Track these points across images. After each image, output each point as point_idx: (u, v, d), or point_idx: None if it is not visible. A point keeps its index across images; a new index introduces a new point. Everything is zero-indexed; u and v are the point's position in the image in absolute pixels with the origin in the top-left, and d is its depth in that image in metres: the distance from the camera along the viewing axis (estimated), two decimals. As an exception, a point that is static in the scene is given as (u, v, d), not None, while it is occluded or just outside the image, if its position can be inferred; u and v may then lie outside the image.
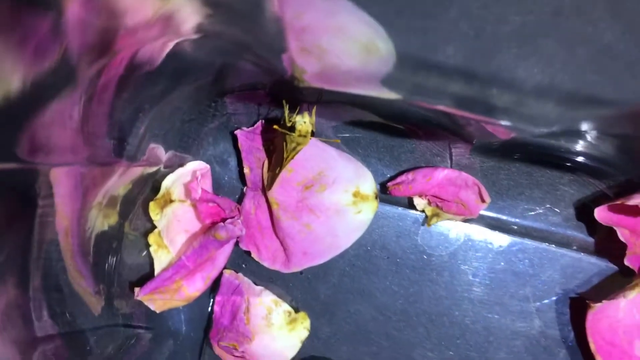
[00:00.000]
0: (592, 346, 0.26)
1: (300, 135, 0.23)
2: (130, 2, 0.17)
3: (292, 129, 0.23)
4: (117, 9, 0.17)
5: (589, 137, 0.25)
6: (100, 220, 0.26)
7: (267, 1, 0.18)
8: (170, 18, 0.19)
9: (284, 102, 0.24)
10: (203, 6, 0.19)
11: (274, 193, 0.26)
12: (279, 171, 0.25)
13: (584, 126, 0.24)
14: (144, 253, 0.28)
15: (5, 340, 0.20)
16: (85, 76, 0.19)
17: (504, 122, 0.23)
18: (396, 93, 0.23)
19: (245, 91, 0.27)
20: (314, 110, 0.24)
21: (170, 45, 0.21)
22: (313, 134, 0.24)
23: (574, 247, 0.27)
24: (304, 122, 0.23)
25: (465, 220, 0.27)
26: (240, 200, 0.28)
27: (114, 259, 0.27)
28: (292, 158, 0.24)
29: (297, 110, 0.24)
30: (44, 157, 0.19)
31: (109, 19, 0.17)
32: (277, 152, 0.26)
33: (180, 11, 0.19)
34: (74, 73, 0.18)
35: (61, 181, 0.21)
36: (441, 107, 0.23)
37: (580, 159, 0.26)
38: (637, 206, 0.24)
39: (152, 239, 0.27)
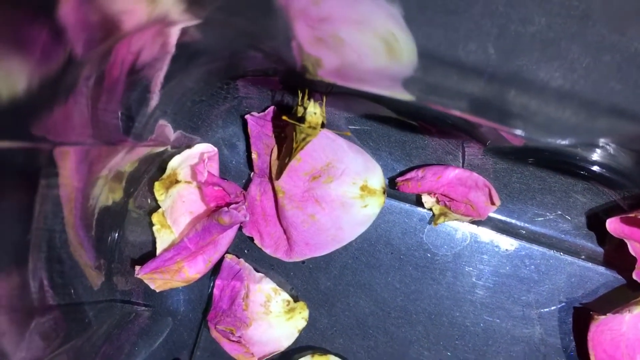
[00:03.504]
0: (593, 358, 0.25)
1: (310, 127, 0.22)
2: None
3: (302, 119, 0.23)
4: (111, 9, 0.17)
5: (606, 148, 0.24)
6: (105, 195, 0.26)
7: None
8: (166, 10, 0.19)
9: (298, 91, 0.23)
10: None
11: (281, 181, 0.26)
12: (288, 161, 0.24)
13: (603, 136, 0.23)
14: (147, 232, 0.28)
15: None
16: (93, 62, 0.18)
17: (517, 131, 0.22)
18: (411, 94, 0.22)
19: (258, 76, 0.27)
20: (324, 102, 0.23)
21: (176, 30, 0.20)
22: (323, 125, 0.23)
23: (582, 257, 0.27)
24: (314, 113, 0.22)
25: (473, 222, 0.27)
26: (246, 186, 0.28)
27: (117, 235, 0.27)
28: (302, 149, 0.23)
29: (308, 100, 0.23)
30: (50, 138, 0.19)
31: (106, 17, 0.17)
32: (287, 141, 0.25)
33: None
34: (82, 68, 0.18)
35: (67, 157, 0.21)
36: (456, 112, 0.22)
37: (595, 168, 0.25)
38: (650, 221, 0.23)
39: (155, 218, 0.27)
